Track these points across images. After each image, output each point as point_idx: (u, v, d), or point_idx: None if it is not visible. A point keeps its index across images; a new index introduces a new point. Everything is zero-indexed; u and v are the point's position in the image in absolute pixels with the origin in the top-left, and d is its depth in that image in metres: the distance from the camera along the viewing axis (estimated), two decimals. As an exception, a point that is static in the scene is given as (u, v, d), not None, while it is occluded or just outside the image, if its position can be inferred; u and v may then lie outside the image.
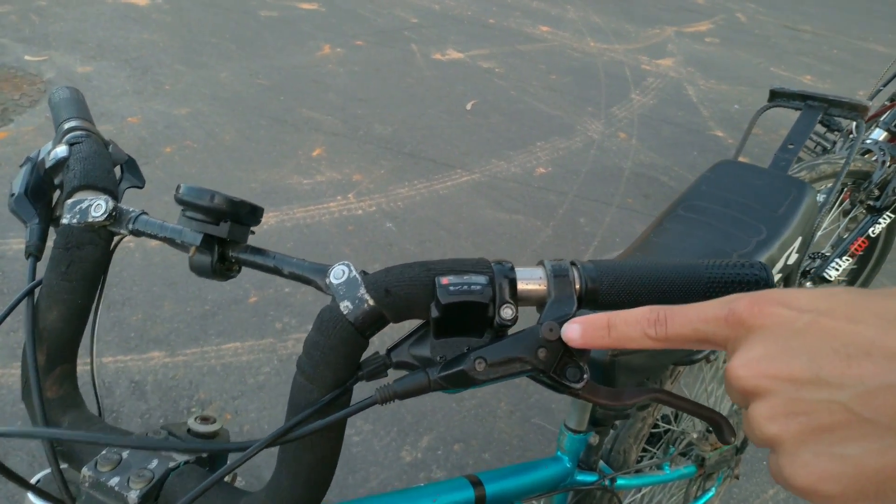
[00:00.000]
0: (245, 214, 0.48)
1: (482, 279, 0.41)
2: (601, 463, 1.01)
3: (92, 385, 0.59)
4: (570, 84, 4.11)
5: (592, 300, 0.43)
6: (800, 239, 1.06)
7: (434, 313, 0.41)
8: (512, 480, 0.85)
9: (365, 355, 0.46)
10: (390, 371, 0.46)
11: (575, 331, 0.39)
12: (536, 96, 3.86)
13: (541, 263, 0.44)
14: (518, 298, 0.42)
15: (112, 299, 2.07)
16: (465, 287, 0.41)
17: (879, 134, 1.67)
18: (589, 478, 0.97)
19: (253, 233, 0.51)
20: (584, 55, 4.69)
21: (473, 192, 2.85)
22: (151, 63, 3.57)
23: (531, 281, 0.42)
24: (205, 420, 0.53)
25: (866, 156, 1.66)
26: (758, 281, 0.43)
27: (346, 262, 0.44)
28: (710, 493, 1.32)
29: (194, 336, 1.98)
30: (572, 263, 0.44)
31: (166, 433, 0.52)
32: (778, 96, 1.32)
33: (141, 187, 0.62)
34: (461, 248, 2.48)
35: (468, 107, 3.60)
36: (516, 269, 0.43)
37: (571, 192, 2.93)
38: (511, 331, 0.43)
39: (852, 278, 1.92)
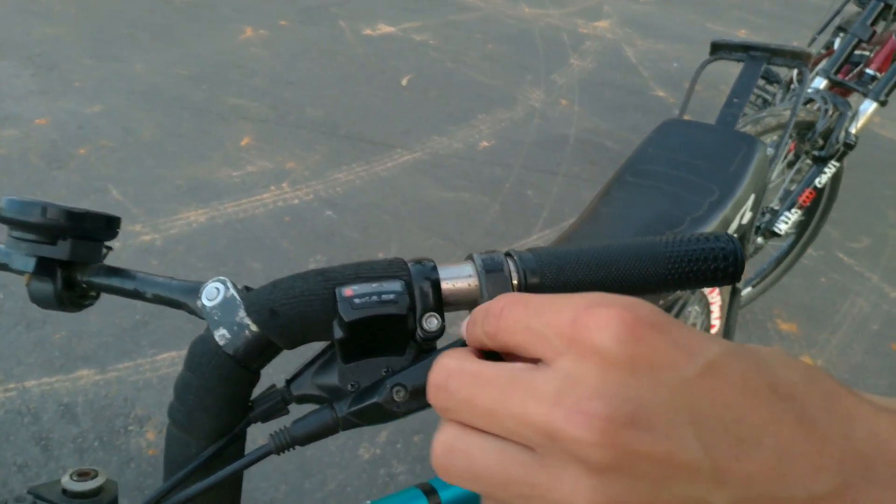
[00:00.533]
0: (94, 228, 0.38)
1: (396, 285, 0.33)
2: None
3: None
4: (508, 52, 4.02)
5: None
6: (753, 196, 1.00)
7: (338, 334, 0.33)
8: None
9: (259, 388, 0.37)
10: (293, 406, 0.37)
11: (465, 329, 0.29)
12: (474, 67, 3.76)
13: (469, 258, 0.35)
14: (445, 303, 0.34)
15: (31, 317, 1.90)
16: (375, 298, 0.32)
17: (820, 82, 1.64)
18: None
19: (109, 249, 0.41)
20: (519, 22, 4.60)
21: (416, 171, 2.75)
22: (58, 59, 3.32)
23: (458, 280, 0.34)
24: (83, 476, 0.43)
25: (808, 105, 1.63)
26: (726, 256, 0.36)
27: (221, 278, 0.35)
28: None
29: (125, 349, 1.84)
30: (507, 255, 0.35)
31: (33, 498, 0.43)
32: (719, 49, 1.26)
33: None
34: (407, 231, 2.39)
35: (404, 83, 3.48)
36: (440, 267, 0.35)
37: (517, 164, 2.86)
38: (440, 343, 0.35)
39: (801, 230, 1.91)
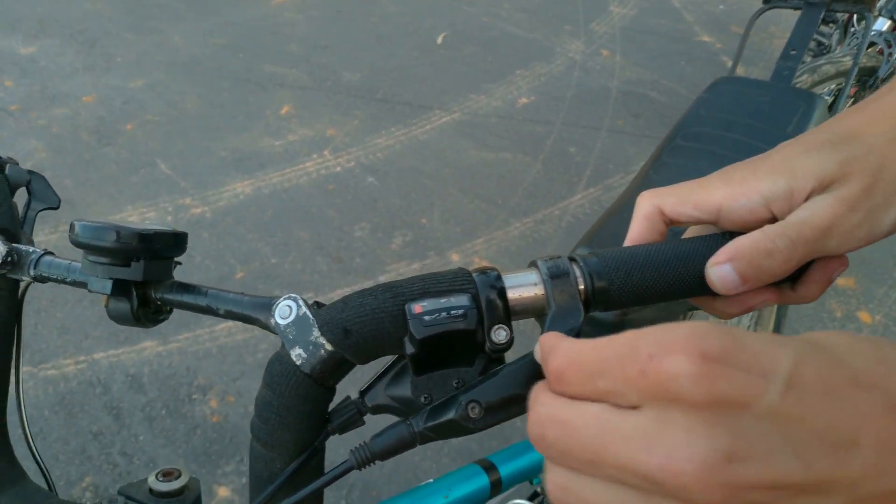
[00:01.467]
0: (164, 247, 0.39)
1: (464, 299, 0.33)
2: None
3: (31, 453, 0.51)
4: (544, 3, 3.91)
5: (603, 301, 0.35)
6: (813, 157, 0.96)
7: (409, 349, 0.33)
8: (526, 457, 0.80)
9: (334, 401, 0.38)
10: (368, 416, 0.38)
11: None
12: (510, 20, 3.67)
13: (533, 265, 0.35)
14: (512, 313, 0.34)
15: (94, 294, 1.98)
16: (445, 314, 0.32)
17: (883, 24, 1.55)
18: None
19: (179, 263, 0.42)
20: (554, -30, 4.44)
21: (455, 133, 2.72)
22: (98, 35, 3.36)
23: (524, 289, 0.34)
24: (167, 476, 0.46)
25: (869, 49, 1.55)
26: None
27: (293, 296, 0.35)
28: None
29: (184, 322, 1.91)
30: (571, 259, 0.35)
31: (124, 499, 0.45)
32: (774, -4, 1.20)
33: (55, 208, 0.52)
34: (448, 195, 2.38)
35: (439, 40, 3.42)
36: (504, 276, 0.34)
37: (558, 120, 2.81)
38: (508, 354, 0.35)
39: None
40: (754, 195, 0.35)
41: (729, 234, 0.37)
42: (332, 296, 1.98)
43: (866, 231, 0.34)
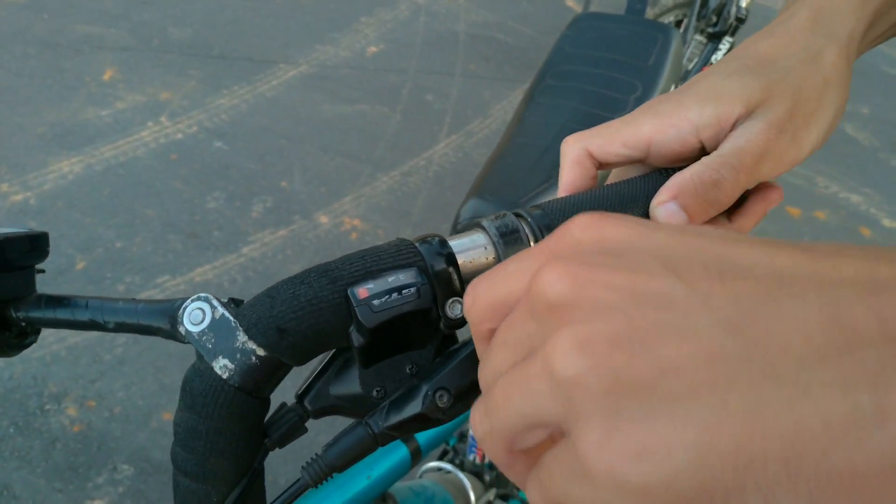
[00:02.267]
0: (20, 254, 0.32)
1: (413, 274, 0.29)
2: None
3: None
4: (380, -54, 3.77)
5: None
6: (672, 86, 1.00)
7: (357, 341, 0.29)
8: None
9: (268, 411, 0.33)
10: (309, 422, 0.33)
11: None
12: (346, -34, 3.51)
13: (477, 225, 0.31)
14: (464, 282, 0.30)
15: None
16: (395, 294, 0.28)
17: (709, -45, 1.63)
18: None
19: (42, 271, 0.34)
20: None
21: (305, 87, 2.58)
22: None
23: (474, 253, 0.30)
24: None
25: (698, -20, 1.63)
26: None
27: (202, 296, 0.29)
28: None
29: (21, 325, 1.68)
30: (517, 215, 0.32)
31: None
32: (618, -71, 1.21)
33: None
34: (307, 153, 2.27)
35: (274, -10, 3.20)
36: (450, 241, 0.31)
37: (411, 68, 2.74)
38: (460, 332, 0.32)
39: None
40: (684, 124, 0.34)
41: (665, 171, 0.35)
42: (191, 276, 1.83)
43: (793, 154, 0.34)
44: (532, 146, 0.85)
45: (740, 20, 1.58)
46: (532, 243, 0.31)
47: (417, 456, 0.72)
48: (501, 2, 3.30)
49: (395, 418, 0.29)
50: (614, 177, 0.40)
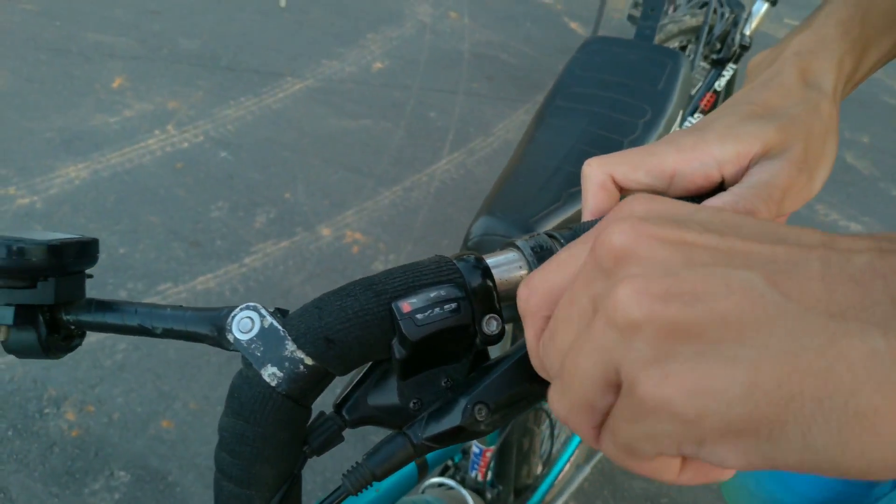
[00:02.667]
0: (73, 259, 0.32)
1: (453, 290, 0.30)
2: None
3: None
4: (388, -36, 3.82)
5: None
6: (680, 112, 1.02)
7: (399, 353, 0.30)
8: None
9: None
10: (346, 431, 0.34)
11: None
12: (354, -17, 3.55)
13: (511, 245, 0.33)
14: (500, 299, 0.31)
15: None
16: (438, 309, 0.29)
17: (714, -16, 1.66)
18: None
19: (90, 276, 0.35)
20: (394, -70, 4.35)
21: (310, 100, 2.61)
22: None
23: (509, 271, 0.31)
24: None
25: (702, 9, 1.66)
26: None
27: (251, 305, 0.30)
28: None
29: (22, 328, 1.68)
30: (550, 235, 0.33)
31: None
32: (628, -43, 1.23)
33: None
34: (310, 166, 2.29)
35: (282, 3, 3.24)
36: (486, 259, 0.32)
37: (415, 85, 2.77)
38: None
39: (699, 132, 1.98)
40: (708, 158, 0.37)
41: (691, 200, 0.37)
42: (193, 284, 1.83)
43: (808, 191, 0.38)
44: (542, 166, 0.87)
45: (744, 47, 1.61)
46: None
47: (424, 470, 0.73)
48: (505, 23, 3.34)
49: (435, 430, 0.30)
50: None
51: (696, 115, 1.74)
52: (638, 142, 0.92)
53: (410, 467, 0.70)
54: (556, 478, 1.14)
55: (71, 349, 0.35)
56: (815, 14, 0.45)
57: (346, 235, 2.05)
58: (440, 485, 0.94)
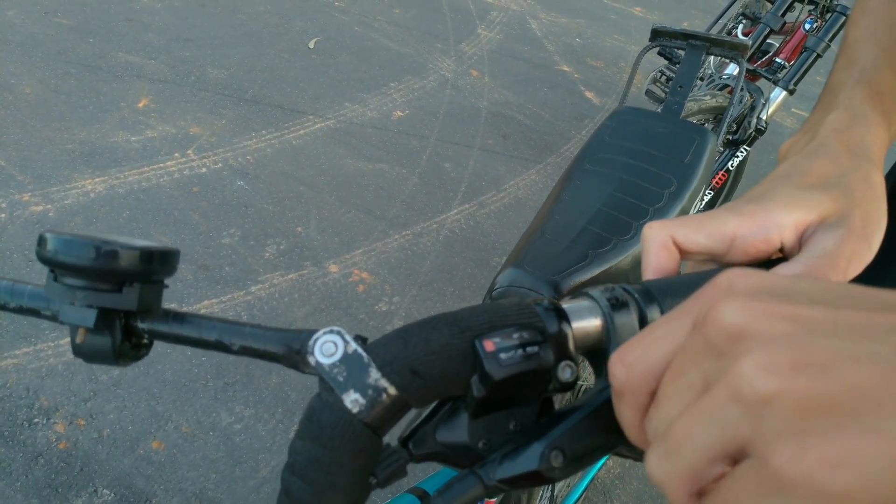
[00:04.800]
0: (158, 267, 0.32)
1: (535, 334, 0.30)
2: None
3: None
4: (416, 19, 3.95)
5: None
6: (704, 187, 1.05)
7: (478, 392, 0.30)
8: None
9: None
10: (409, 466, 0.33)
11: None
12: (382, 32, 3.67)
13: (585, 294, 0.33)
14: (577, 346, 0.32)
15: None
16: (520, 351, 0.29)
17: (734, 69, 1.74)
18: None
19: (167, 286, 0.35)
20: (424, -13, 4.52)
21: (330, 140, 2.66)
22: None
23: (586, 321, 0.32)
24: None
25: (723, 91, 1.73)
26: None
27: (335, 329, 0.30)
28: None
29: (23, 334, 1.67)
30: (625, 289, 0.33)
31: None
32: (660, 35, 1.30)
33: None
34: (324, 203, 2.32)
35: (311, 45, 3.33)
36: (564, 306, 0.32)
37: (433, 135, 2.84)
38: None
39: (708, 207, 2.04)
40: (770, 224, 0.38)
41: (758, 266, 0.38)
42: (198, 307, 1.84)
43: (868, 257, 0.39)
44: (570, 224, 0.89)
45: (759, 131, 1.67)
46: (636, 315, 0.33)
47: (428, 508, 0.73)
48: (524, 86, 3.44)
49: (509, 472, 0.30)
50: (689, 269, 0.43)
51: (707, 191, 1.79)
52: (663, 211, 0.95)
53: (410, 502, 0.69)
54: (550, 538, 1.13)
55: (139, 358, 0.34)
56: (834, 96, 0.48)
57: (353, 273, 2.06)
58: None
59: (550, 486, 1.06)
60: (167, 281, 0.36)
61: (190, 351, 1.72)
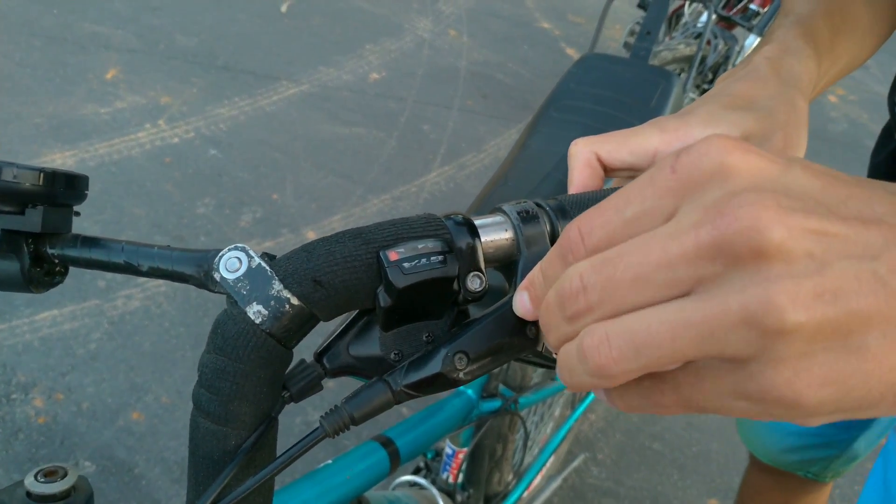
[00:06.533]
0: (63, 190, 0.33)
1: (440, 244, 0.30)
2: (500, 387, 0.97)
3: None
4: (390, -21, 3.86)
5: None
6: (671, 131, 1.04)
7: (384, 301, 0.30)
8: (421, 429, 0.79)
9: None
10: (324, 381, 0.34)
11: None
12: (356, -6, 3.59)
13: (499, 210, 0.33)
14: (485, 259, 0.32)
15: None
16: (425, 260, 0.30)
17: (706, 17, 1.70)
18: (493, 404, 0.92)
19: (77, 214, 0.35)
20: (399, -53, 4.41)
21: (304, 105, 2.61)
22: None
23: (495, 233, 0.32)
24: (49, 476, 0.37)
25: (697, 39, 1.70)
26: None
27: (240, 246, 0.30)
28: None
29: (-5, 311, 1.66)
30: (536, 203, 0.34)
31: None
32: (628, -20, 1.26)
33: None
34: (300, 169, 2.29)
35: (283, 9, 3.26)
36: (474, 220, 0.32)
37: (410, 97, 2.79)
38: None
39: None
40: (690, 140, 0.38)
41: None
42: (176, 277, 1.82)
43: None
44: (534, 171, 0.88)
45: (734, 79, 1.65)
46: (548, 229, 0.33)
47: (396, 461, 0.72)
48: (504, 44, 3.39)
49: (415, 377, 0.30)
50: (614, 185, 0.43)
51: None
52: (628, 156, 0.94)
53: (381, 456, 0.69)
54: (527, 488, 1.14)
55: (53, 285, 0.35)
56: (771, 32, 0.49)
57: (331, 240, 2.04)
58: (411, 484, 0.93)
59: (524, 437, 1.07)
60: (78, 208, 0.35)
61: (167, 322, 1.71)
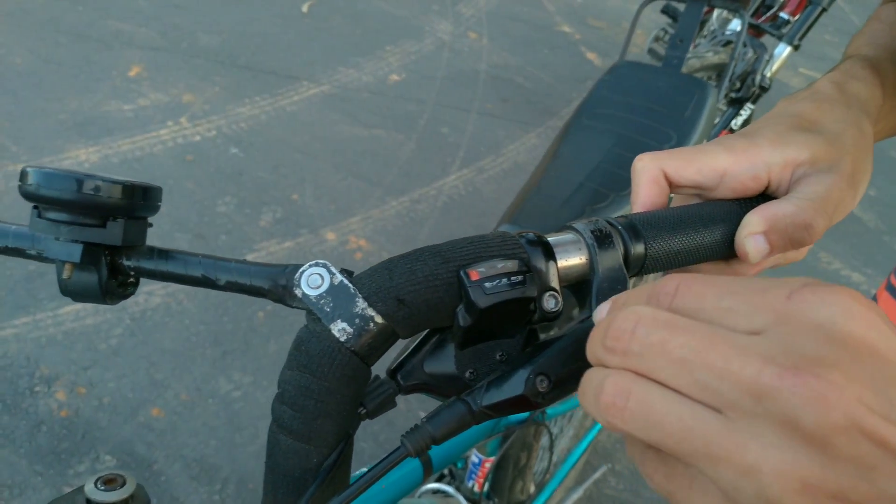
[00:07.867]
0: (141, 203, 0.32)
1: (519, 265, 0.30)
2: (527, 396, 0.97)
3: None
4: (411, -19, 3.86)
5: (637, 267, 0.34)
6: (705, 142, 1.03)
7: (464, 320, 0.30)
8: (454, 438, 0.78)
9: None
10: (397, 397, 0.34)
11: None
12: (377, -5, 3.59)
13: (571, 228, 0.33)
14: (560, 278, 0.32)
15: None
16: (505, 280, 0.29)
17: (737, 25, 1.69)
18: (521, 415, 0.92)
19: (151, 225, 0.35)
20: (419, -52, 4.41)
21: (324, 105, 2.62)
22: None
23: (570, 254, 0.32)
24: (109, 483, 0.37)
25: (725, 47, 1.68)
26: None
27: (321, 262, 0.30)
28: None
29: (21, 304, 1.67)
30: (608, 223, 0.33)
31: None
32: (660, -11, 1.26)
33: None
34: (320, 170, 2.29)
35: (304, 9, 3.27)
36: (548, 239, 0.32)
37: (430, 99, 2.79)
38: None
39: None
40: (759, 162, 0.38)
41: (740, 203, 0.37)
42: (196, 275, 1.82)
43: (851, 206, 0.39)
44: (567, 180, 0.88)
45: (763, 89, 1.64)
46: (622, 250, 0.33)
47: (429, 471, 0.72)
48: (524, 47, 3.38)
49: (495, 398, 0.30)
50: (677, 202, 0.42)
51: (709, 151, 1.76)
52: (661, 166, 0.93)
53: (415, 466, 0.69)
54: (548, 499, 1.14)
55: (125, 297, 0.35)
56: (834, 68, 0.48)
57: (349, 241, 2.05)
58: (436, 491, 0.93)
59: (549, 447, 1.06)
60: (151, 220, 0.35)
61: (188, 319, 1.72)
